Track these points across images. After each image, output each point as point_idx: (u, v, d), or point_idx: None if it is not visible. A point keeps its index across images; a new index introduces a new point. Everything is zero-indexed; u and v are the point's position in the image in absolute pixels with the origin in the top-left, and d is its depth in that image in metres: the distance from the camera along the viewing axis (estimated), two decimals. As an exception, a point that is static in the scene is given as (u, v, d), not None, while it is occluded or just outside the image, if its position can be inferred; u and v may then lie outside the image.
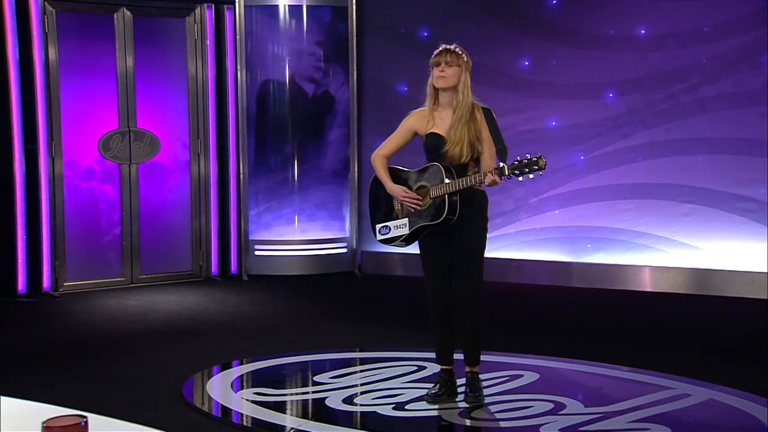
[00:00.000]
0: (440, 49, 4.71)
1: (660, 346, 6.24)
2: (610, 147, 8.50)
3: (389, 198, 4.83)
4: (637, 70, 8.34)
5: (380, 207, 4.90)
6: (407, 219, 4.73)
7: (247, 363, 5.79)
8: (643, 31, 8.33)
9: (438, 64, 4.67)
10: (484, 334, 4.86)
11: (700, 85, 8.08)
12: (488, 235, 4.79)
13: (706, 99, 8.05)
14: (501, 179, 4.46)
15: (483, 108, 4.71)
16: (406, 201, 4.70)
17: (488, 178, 4.46)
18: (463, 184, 4.53)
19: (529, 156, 4.40)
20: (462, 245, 4.70)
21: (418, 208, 4.68)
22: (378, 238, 4.88)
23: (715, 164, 8.04)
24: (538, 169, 4.38)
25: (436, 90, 4.72)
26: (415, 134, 4.82)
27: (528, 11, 8.80)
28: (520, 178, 4.42)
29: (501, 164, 4.49)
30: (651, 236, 8.33)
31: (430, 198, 4.63)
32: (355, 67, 9.38)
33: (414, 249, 4.92)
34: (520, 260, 8.84)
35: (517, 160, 4.42)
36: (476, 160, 4.67)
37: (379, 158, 4.86)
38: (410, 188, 4.73)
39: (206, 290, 8.54)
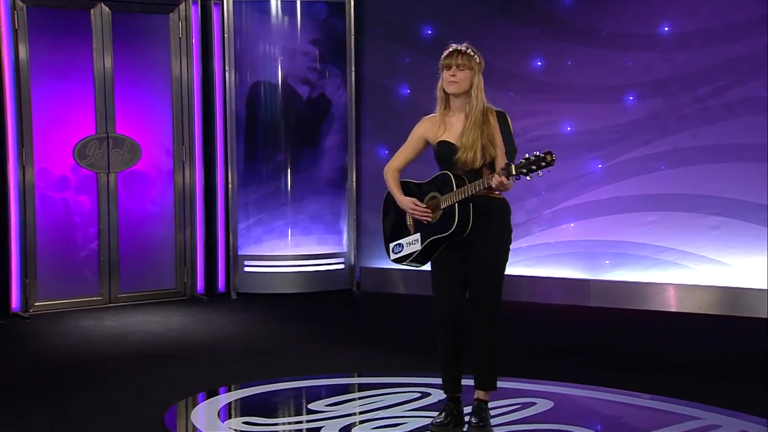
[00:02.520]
0: (450, 50, 4.72)
1: (686, 371, 6.21)
2: (630, 154, 8.48)
3: (401, 214, 4.85)
4: (660, 71, 8.33)
5: (393, 224, 4.92)
6: (419, 234, 4.75)
7: (235, 389, 5.77)
8: (666, 29, 8.32)
9: (448, 67, 4.68)
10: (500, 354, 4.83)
11: (728, 88, 8.06)
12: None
13: (735, 102, 8.03)
14: (509, 180, 4.46)
15: (497, 111, 4.72)
16: (416, 213, 4.71)
17: (495, 180, 4.48)
18: (471, 191, 4.55)
19: (537, 153, 4.41)
20: (479, 260, 4.69)
21: (429, 220, 4.68)
22: (392, 258, 4.91)
23: (745, 173, 8.01)
24: (546, 165, 4.40)
25: (446, 94, 4.73)
26: (427, 143, 4.84)
27: (541, 7, 8.80)
28: (528, 177, 4.43)
29: (508, 163, 4.48)
30: (675, 251, 8.31)
31: (441, 209, 4.64)
32: (353, 68, 9.37)
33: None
34: (533, 277, 8.81)
35: (525, 158, 4.44)
36: (490, 165, 4.69)
37: (391, 172, 4.89)
38: (421, 200, 4.74)
39: (191, 310, 8.51)
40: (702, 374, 6.13)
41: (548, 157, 4.39)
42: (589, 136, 8.62)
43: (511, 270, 8.52)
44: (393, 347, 6.95)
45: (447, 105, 4.76)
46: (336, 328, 7.85)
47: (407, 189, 4.84)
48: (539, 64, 8.84)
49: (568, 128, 8.73)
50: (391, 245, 4.90)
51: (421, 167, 5.07)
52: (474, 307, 4.72)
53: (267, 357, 6.71)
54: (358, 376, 6.18)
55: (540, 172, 4.42)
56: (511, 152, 4.56)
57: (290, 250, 9.28)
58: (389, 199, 4.94)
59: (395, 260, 4.89)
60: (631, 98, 8.47)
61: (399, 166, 4.88)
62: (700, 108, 8.17)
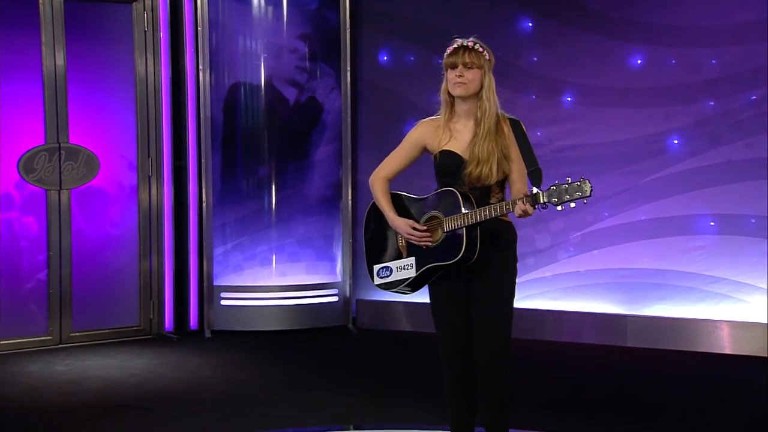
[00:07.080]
0: (455, 46, 4.72)
1: (743, 426, 6.18)
2: (673, 168, 8.49)
3: (391, 232, 4.83)
4: (709, 71, 8.35)
5: (379, 243, 4.90)
6: (414, 258, 4.72)
7: (208, 445, 5.73)
8: (715, 21, 8.30)
9: (453, 66, 4.68)
10: (512, 407, 4.79)
11: (789, 89, 8.08)
12: (517, 280, 4.78)
13: (798, 107, 8.06)
14: (534, 208, 4.45)
15: (510, 119, 4.72)
16: (413, 239, 4.67)
17: (518, 207, 4.47)
18: (485, 215, 4.53)
19: (569, 180, 4.39)
20: (484, 292, 4.68)
21: (429, 245, 4.65)
22: (376, 283, 4.89)
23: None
24: (581, 197, 4.38)
25: (452, 97, 4.73)
26: (424, 150, 4.83)
27: (567, -4, 8.85)
28: (559, 207, 4.43)
29: (534, 190, 4.47)
30: (728, 282, 8.29)
31: (444, 232, 4.63)
32: (348, 68, 9.41)
33: (425, 297, 4.86)
34: (559, 312, 8.83)
35: (555, 185, 4.41)
36: (500, 183, 4.69)
37: (378, 181, 4.86)
38: (418, 220, 4.72)
39: (158, 351, 8.50)
40: (763, 430, 6.06)
41: (584, 186, 4.36)
42: (625, 147, 8.62)
43: (534, 304, 8.68)
44: (395, 394, 6.95)
45: (452, 110, 4.75)
46: (329, 371, 7.86)
47: (399, 203, 4.82)
48: (565, 62, 8.83)
49: (599, 138, 8.71)
50: (376, 268, 4.88)
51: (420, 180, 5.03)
52: (480, 347, 4.69)
53: (247, 406, 6.70)
54: (355, 428, 6.18)
55: (573, 204, 4.40)
56: (534, 174, 4.56)
57: (275, 280, 9.29)
58: (374, 212, 4.93)
59: (380, 286, 4.86)
60: (675, 102, 8.45)
61: (389, 176, 4.86)
62: (757, 113, 8.17)
